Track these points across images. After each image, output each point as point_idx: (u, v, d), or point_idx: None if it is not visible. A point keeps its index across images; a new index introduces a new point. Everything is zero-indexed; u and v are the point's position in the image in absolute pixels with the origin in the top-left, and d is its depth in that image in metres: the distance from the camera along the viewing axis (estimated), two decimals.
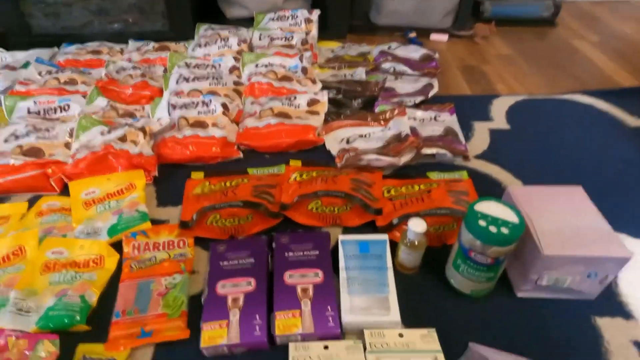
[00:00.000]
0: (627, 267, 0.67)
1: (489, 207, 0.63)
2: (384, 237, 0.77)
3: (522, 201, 0.68)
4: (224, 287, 0.70)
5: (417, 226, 0.68)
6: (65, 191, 0.89)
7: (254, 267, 0.73)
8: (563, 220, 0.65)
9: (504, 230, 0.60)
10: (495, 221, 0.61)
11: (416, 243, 0.70)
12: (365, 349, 0.64)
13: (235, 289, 0.70)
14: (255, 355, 0.65)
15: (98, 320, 0.68)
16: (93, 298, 0.69)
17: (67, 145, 0.95)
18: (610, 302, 0.70)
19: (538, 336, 0.66)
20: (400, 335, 0.66)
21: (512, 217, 0.62)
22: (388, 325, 0.66)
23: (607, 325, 0.67)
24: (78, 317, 0.65)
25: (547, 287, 0.68)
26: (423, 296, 0.73)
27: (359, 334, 0.67)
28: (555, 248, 0.62)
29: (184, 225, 0.79)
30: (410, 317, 0.68)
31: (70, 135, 0.96)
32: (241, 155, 0.99)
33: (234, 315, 0.66)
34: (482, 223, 0.61)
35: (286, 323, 0.66)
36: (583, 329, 0.67)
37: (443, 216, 0.77)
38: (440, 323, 0.68)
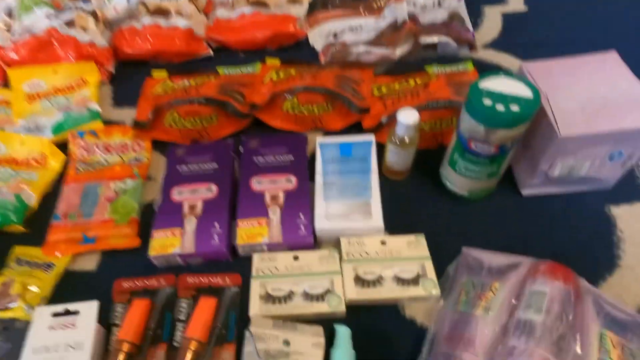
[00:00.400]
0: None
1: (497, 84, 0.49)
2: (370, 137, 0.65)
3: (539, 76, 0.55)
4: (180, 194, 0.61)
5: (407, 117, 0.56)
6: (9, 85, 0.77)
7: (217, 172, 0.63)
8: (588, 93, 0.52)
9: (514, 108, 0.47)
10: (503, 98, 0.48)
11: (406, 140, 0.59)
12: (341, 259, 0.56)
13: (193, 196, 0.60)
14: (214, 267, 0.57)
15: (38, 223, 0.61)
16: (32, 199, 0.61)
17: (8, 28, 0.82)
18: (628, 188, 0.61)
19: (543, 235, 0.58)
20: (383, 242, 0.57)
21: (524, 92, 0.49)
22: (369, 233, 0.57)
23: (622, 213, 0.59)
24: (13, 217, 0.58)
25: (558, 179, 0.57)
26: (413, 202, 0.63)
27: (336, 244, 0.59)
28: (575, 127, 0.50)
29: (138, 125, 0.68)
30: (397, 225, 0.59)
31: (9, 15, 0.82)
32: (211, 52, 0.85)
33: (190, 224, 0.58)
34: (487, 102, 0.48)
35: (250, 232, 0.57)
36: (595, 221, 0.59)
37: (441, 109, 0.64)
38: (431, 229, 0.59)
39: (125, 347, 0.46)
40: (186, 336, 0.48)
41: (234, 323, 0.51)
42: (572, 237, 0.58)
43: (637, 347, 0.44)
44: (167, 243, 0.55)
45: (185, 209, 0.59)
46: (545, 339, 0.43)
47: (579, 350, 0.44)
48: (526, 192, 0.61)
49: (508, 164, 0.64)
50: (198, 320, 0.49)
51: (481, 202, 0.62)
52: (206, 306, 0.51)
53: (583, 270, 0.51)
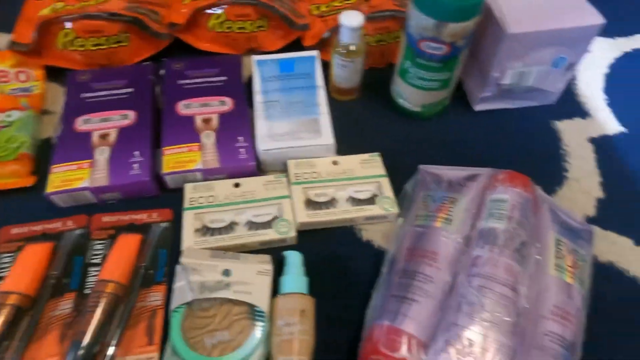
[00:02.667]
0: (586, 66, 0.67)
1: None
2: (313, 52, 0.58)
3: None
4: (87, 123, 0.50)
5: (351, 20, 0.50)
6: None
7: (134, 98, 0.53)
8: None
9: None
10: None
11: (352, 48, 0.52)
12: (289, 183, 0.49)
13: (105, 124, 0.50)
14: (138, 205, 0.48)
15: None
16: None
17: None
18: (569, 104, 0.62)
19: (497, 149, 0.56)
20: (335, 163, 0.51)
21: None
22: (319, 152, 0.51)
23: (565, 127, 0.59)
24: None
25: (508, 91, 0.56)
26: (365, 123, 0.57)
27: (283, 169, 0.52)
28: (522, 24, 0.49)
29: (16, 46, 0.54)
30: (349, 147, 0.54)
31: None
32: None
33: (102, 154, 0.47)
34: None
35: (179, 159, 0.48)
36: (543, 135, 0.58)
37: (386, 20, 0.58)
38: (386, 149, 0.54)
39: (12, 299, 0.36)
40: (101, 279, 0.38)
41: (164, 262, 0.43)
42: (524, 151, 0.56)
43: (586, 252, 0.44)
44: (71, 177, 0.45)
45: (95, 138, 0.48)
46: (508, 247, 0.40)
47: (539, 256, 0.42)
48: (478, 107, 0.59)
49: (459, 77, 0.62)
50: (116, 260, 0.40)
51: (435, 119, 0.58)
52: (127, 244, 0.42)
53: (536, 182, 0.49)
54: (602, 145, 0.57)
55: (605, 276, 0.46)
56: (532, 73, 0.54)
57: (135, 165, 0.46)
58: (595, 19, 0.50)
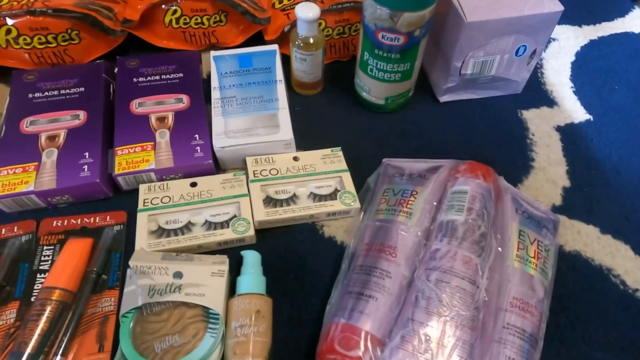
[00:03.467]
0: (553, 54, 0.66)
1: None
2: (273, 46, 0.57)
3: None
4: (34, 124, 0.48)
5: (307, 11, 0.49)
6: None
7: (85, 97, 0.51)
8: None
9: None
10: None
11: (311, 40, 0.51)
12: (248, 181, 0.48)
13: (53, 125, 0.48)
14: (92, 207, 0.46)
15: None
16: None
17: None
18: (536, 93, 0.62)
19: (463, 141, 0.55)
20: (296, 158, 0.50)
21: None
22: (278, 148, 0.49)
23: (532, 117, 0.59)
24: None
25: (472, 80, 0.55)
26: (328, 117, 0.56)
27: (243, 166, 0.50)
28: (481, 12, 0.48)
29: None
30: (312, 142, 0.53)
31: None
32: None
33: (50, 156, 0.45)
34: None
35: (132, 159, 0.46)
36: (509, 125, 0.58)
37: (346, 11, 0.57)
38: (349, 143, 0.53)
39: None
40: (45, 286, 0.37)
41: (117, 266, 0.41)
42: (489, 142, 0.56)
43: (550, 242, 0.43)
44: (15, 180, 0.43)
45: (42, 140, 0.46)
46: (468, 239, 0.39)
47: (499, 247, 0.41)
48: (443, 98, 0.58)
49: (423, 68, 0.61)
50: (63, 265, 0.38)
51: (399, 112, 0.57)
52: (75, 249, 0.40)
53: (502, 172, 0.49)
54: (569, 133, 0.57)
55: (570, 266, 0.46)
56: (495, 62, 0.53)
57: (85, 167, 0.44)
58: (554, 6, 0.49)
